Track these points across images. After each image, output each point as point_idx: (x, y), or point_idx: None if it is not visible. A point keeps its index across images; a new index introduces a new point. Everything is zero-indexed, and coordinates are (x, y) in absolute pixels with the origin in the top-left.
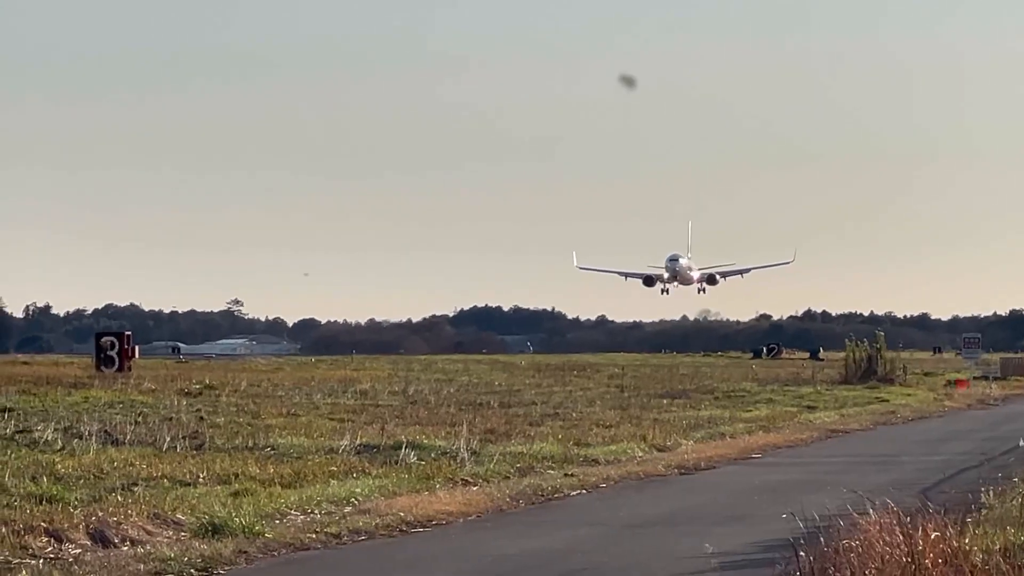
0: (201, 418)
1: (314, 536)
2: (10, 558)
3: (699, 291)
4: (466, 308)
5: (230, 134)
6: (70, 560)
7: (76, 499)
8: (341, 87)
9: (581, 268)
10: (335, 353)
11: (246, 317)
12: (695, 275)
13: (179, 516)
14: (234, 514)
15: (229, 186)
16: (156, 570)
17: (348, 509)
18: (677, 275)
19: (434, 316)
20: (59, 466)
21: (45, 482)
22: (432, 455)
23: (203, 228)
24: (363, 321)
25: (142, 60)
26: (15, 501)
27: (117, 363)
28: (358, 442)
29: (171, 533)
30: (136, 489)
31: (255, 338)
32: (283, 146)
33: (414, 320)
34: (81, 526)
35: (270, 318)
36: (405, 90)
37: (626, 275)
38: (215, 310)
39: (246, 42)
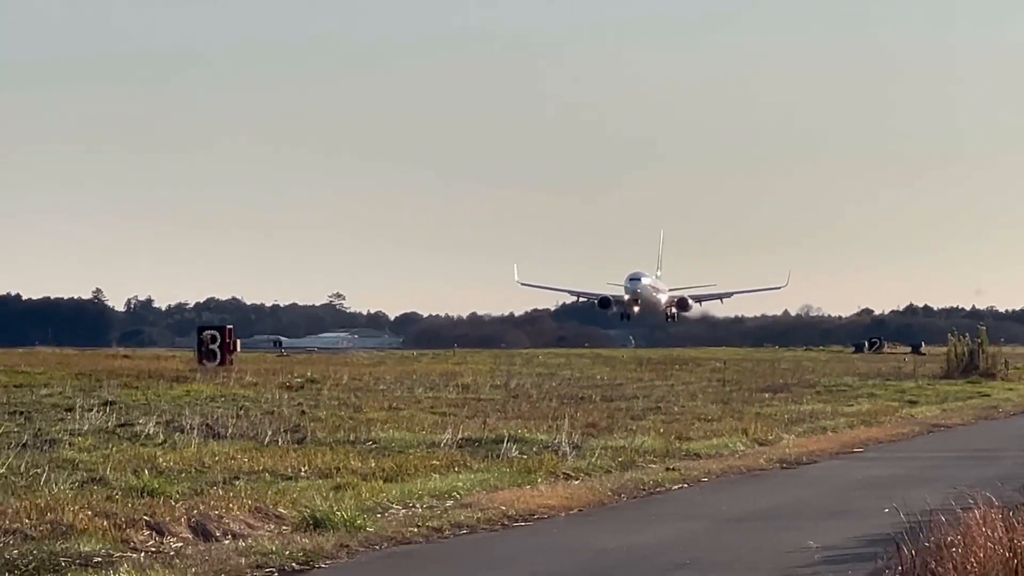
0: (303, 412)
1: (416, 530)
2: (111, 551)
3: (667, 318)
4: (568, 302)
5: (335, 126)
6: (171, 553)
7: (178, 492)
8: (451, 81)
9: (523, 284)
10: (437, 347)
11: (348, 311)
12: (663, 298)
13: (280, 510)
14: (335, 508)
15: (333, 179)
16: (257, 563)
17: (450, 503)
18: (639, 297)
19: (536, 310)
20: (161, 460)
21: (147, 475)
22: (534, 449)
23: (306, 222)
24: (465, 315)
25: (252, 51)
26: (117, 494)
27: (219, 357)
28: (460, 436)
29: (272, 527)
30: (237, 483)
31: (357, 332)
32: (388, 138)
33: (516, 314)
34: (183, 519)
35: (372, 311)
36: (512, 86)
37: (578, 295)
38: (317, 303)
39: (361, 33)
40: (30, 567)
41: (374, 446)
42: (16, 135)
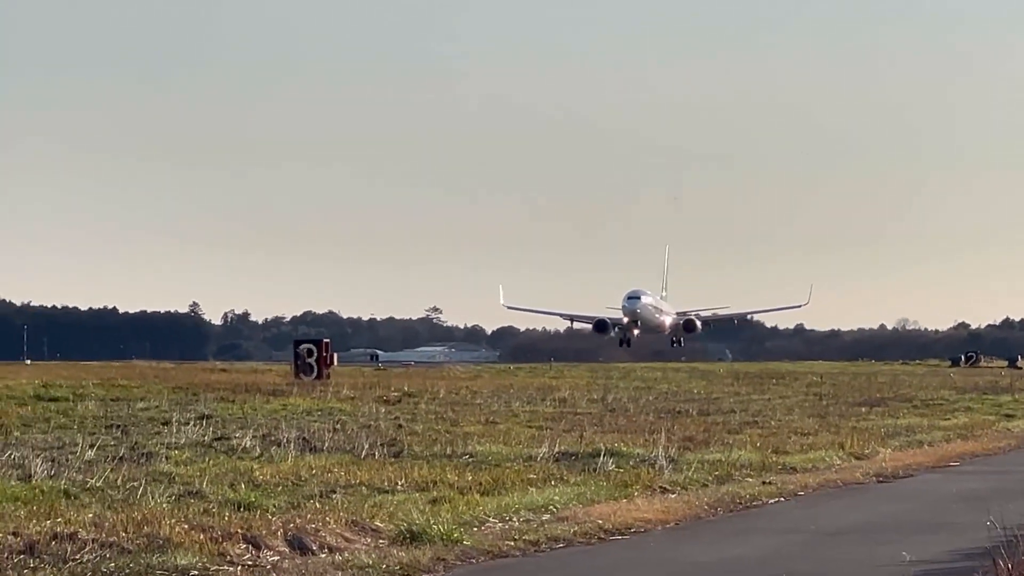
0: (399, 425)
1: (512, 543)
2: (208, 565)
3: (672, 342)
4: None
5: (432, 144)
6: (268, 567)
7: (274, 506)
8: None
9: (509, 307)
10: (533, 360)
11: (445, 324)
12: (667, 319)
13: (377, 523)
14: (432, 521)
15: (429, 195)
16: None
17: (546, 516)
18: (638, 319)
19: None
20: (257, 473)
21: (243, 489)
22: (630, 463)
23: (404, 236)
24: (561, 329)
25: (350, 68)
26: (213, 508)
27: (316, 371)
28: (556, 450)
29: (369, 540)
30: (334, 496)
31: (454, 345)
32: (483, 156)
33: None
34: (279, 533)
35: (469, 326)
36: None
37: (572, 318)
38: (414, 317)
39: (445, 48)
40: None
41: (471, 460)
42: (114, 150)
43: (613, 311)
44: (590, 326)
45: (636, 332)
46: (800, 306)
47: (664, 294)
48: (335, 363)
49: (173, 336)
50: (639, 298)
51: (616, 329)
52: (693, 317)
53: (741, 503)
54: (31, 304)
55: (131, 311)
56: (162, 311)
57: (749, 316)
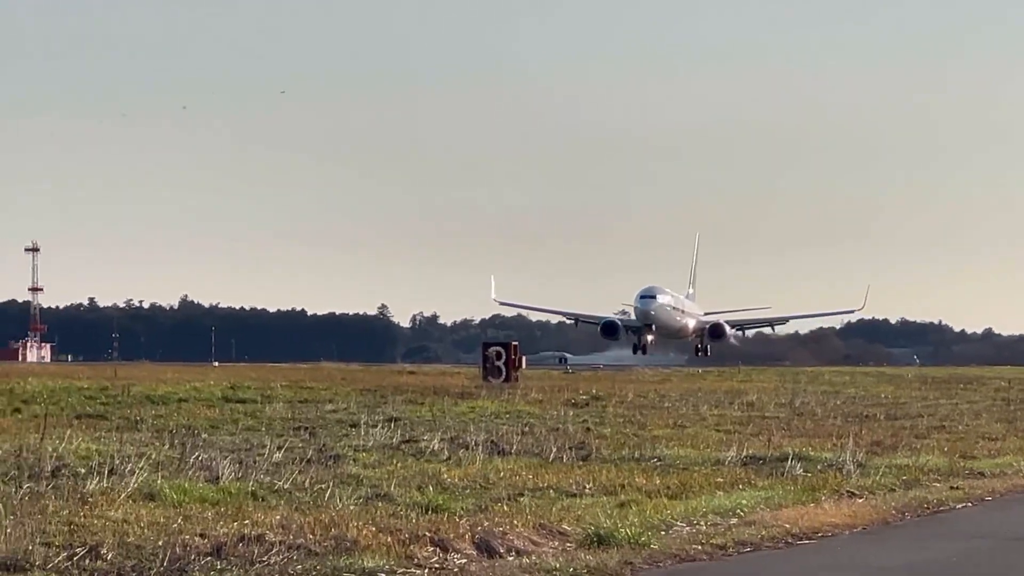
0: (588, 428)
1: (699, 547)
2: (395, 567)
3: (697, 350)
4: (853, 321)
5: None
6: (455, 570)
7: (462, 509)
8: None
9: (501, 303)
10: (722, 365)
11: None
12: (689, 322)
13: (565, 526)
14: (620, 525)
15: (615, 197)
16: None
17: (734, 520)
18: (653, 322)
19: (821, 328)
20: (445, 476)
21: (431, 491)
22: (818, 467)
23: (591, 240)
24: (751, 333)
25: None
26: (401, 510)
27: (504, 373)
28: (744, 454)
29: (556, 544)
30: (522, 499)
31: None
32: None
33: (801, 332)
34: (467, 536)
35: None
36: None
37: (577, 319)
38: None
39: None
40: None
41: (659, 463)
42: (303, 155)
43: (629, 307)
44: (597, 328)
45: (651, 338)
46: (854, 311)
47: (691, 291)
48: (523, 366)
49: (361, 338)
50: (654, 297)
51: (629, 332)
52: (722, 322)
53: (929, 508)
54: (219, 306)
55: (319, 313)
56: (350, 313)
57: (789, 320)
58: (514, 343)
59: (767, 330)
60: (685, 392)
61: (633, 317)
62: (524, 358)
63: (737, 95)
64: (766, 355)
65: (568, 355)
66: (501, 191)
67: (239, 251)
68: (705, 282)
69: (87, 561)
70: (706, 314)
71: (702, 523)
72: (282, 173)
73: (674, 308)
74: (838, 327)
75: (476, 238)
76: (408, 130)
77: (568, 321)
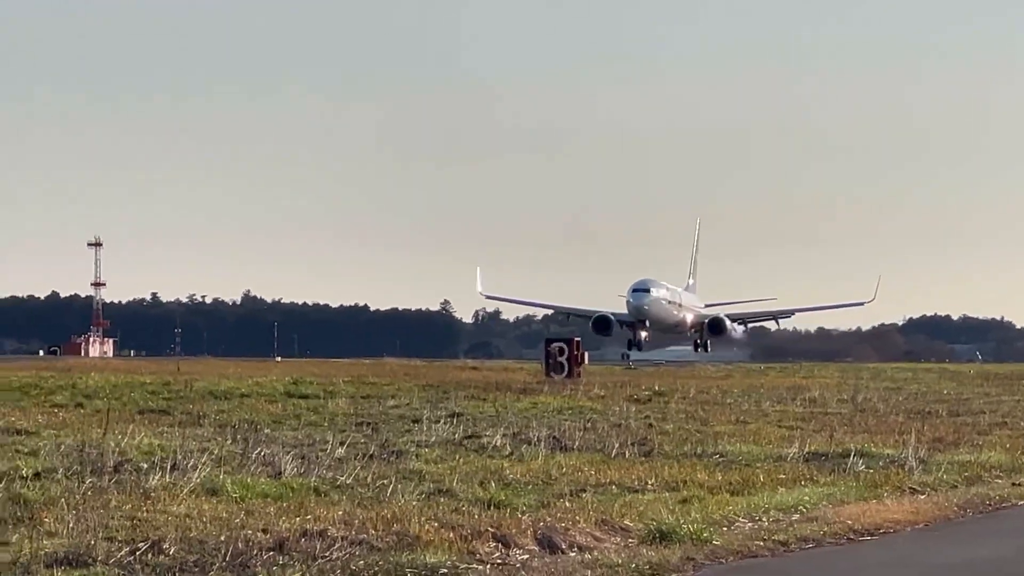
0: (650, 424)
1: (761, 543)
2: (457, 563)
3: (696, 345)
4: (915, 317)
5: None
6: (517, 566)
7: (524, 505)
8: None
9: (488, 296)
10: (783, 360)
11: None
12: (687, 316)
13: (627, 522)
14: (682, 521)
15: (681, 192)
16: None
17: (795, 517)
18: (646, 317)
19: (883, 325)
20: (508, 471)
21: (493, 487)
22: (880, 463)
23: (653, 233)
24: (812, 329)
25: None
26: (463, 506)
27: (566, 369)
28: (806, 450)
29: (619, 539)
30: (584, 495)
31: None
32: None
33: (863, 328)
34: (529, 532)
35: None
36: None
37: (568, 313)
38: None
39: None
40: None
41: (721, 459)
42: (368, 151)
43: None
44: (590, 322)
45: (645, 334)
46: (864, 303)
47: (691, 282)
48: (586, 362)
49: (424, 334)
50: (648, 291)
51: (623, 327)
52: (723, 316)
53: (990, 504)
54: (281, 301)
55: (382, 309)
56: (413, 309)
57: (794, 314)
58: (576, 339)
59: (770, 324)
60: (747, 388)
61: (627, 312)
62: (587, 354)
63: (752, 91)
64: (828, 351)
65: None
66: (560, 189)
67: (302, 246)
68: (717, 276)
69: (149, 556)
70: (707, 306)
71: (764, 519)
72: (346, 170)
73: (670, 302)
74: (900, 323)
75: (540, 233)
76: (470, 127)
77: (554, 314)
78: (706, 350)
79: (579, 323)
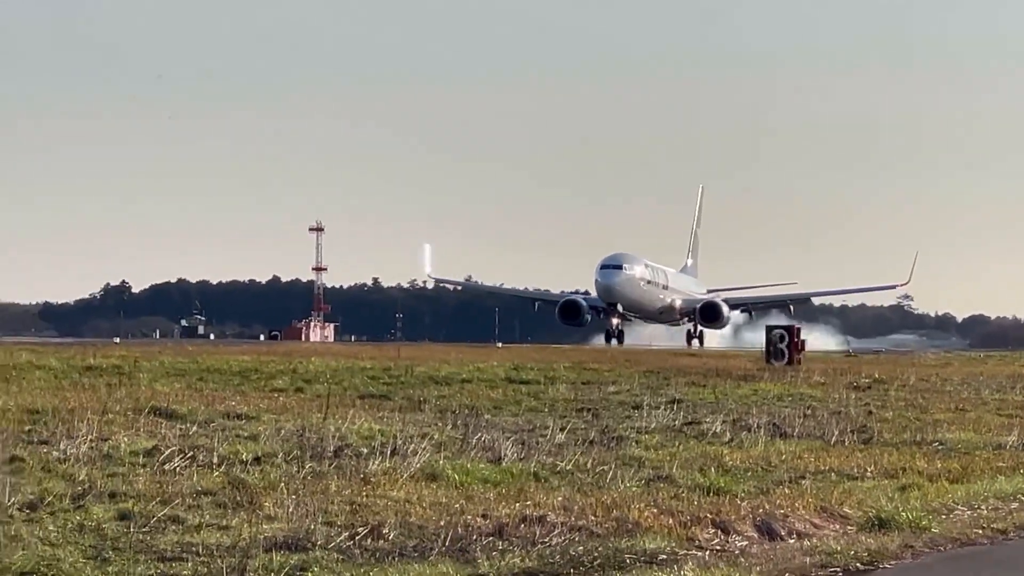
0: (870, 412)
1: (980, 531)
2: (676, 549)
3: (690, 337)
4: None
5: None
6: (736, 552)
7: (743, 491)
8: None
9: (438, 280)
10: (1004, 348)
11: (916, 312)
12: (676, 301)
13: (846, 510)
14: (901, 508)
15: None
16: (821, 563)
17: (1015, 505)
18: (618, 300)
19: None
20: (727, 458)
21: (712, 474)
22: None
23: (875, 220)
24: None
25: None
26: (682, 492)
27: (786, 356)
28: None
29: (837, 526)
30: (803, 482)
31: (924, 333)
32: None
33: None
34: (747, 518)
35: (940, 313)
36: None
37: (535, 299)
38: (885, 304)
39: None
40: (595, 563)
41: (940, 447)
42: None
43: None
44: (556, 308)
45: (615, 321)
46: (897, 286)
47: (689, 262)
48: (806, 348)
49: None
50: (620, 267)
51: (600, 315)
52: (718, 301)
53: None
54: (503, 286)
55: None
56: None
57: (809, 300)
58: (797, 326)
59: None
60: (967, 376)
61: (597, 294)
62: (807, 341)
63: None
64: None
65: (850, 338)
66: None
67: (523, 231)
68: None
69: (368, 541)
70: (709, 291)
71: (983, 507)
72: (560, 155)
73: (650, 282)
74: None
75: (759, 221)
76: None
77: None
78: (700, 342)
79: (548, 310)
